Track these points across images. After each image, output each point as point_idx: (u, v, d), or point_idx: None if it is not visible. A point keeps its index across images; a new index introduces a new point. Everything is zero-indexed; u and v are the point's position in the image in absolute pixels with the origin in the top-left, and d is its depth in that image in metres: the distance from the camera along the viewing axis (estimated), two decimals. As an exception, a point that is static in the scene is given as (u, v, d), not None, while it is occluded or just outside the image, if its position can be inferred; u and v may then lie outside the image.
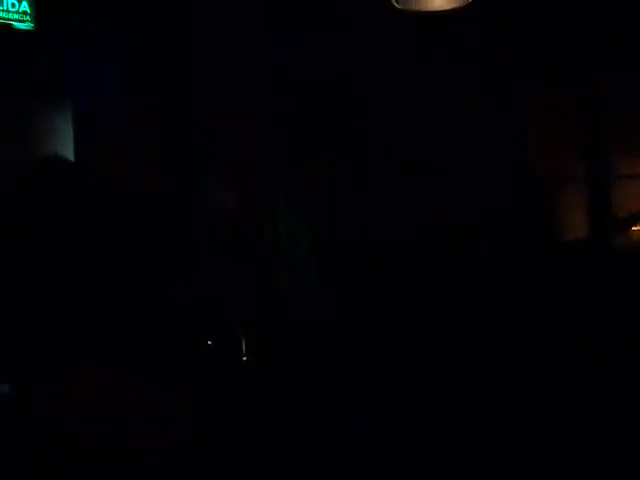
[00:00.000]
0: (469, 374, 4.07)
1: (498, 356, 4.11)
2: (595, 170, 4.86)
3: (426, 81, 4.68)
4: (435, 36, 4.58)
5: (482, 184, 4.65)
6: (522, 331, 4.19)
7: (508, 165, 4.77)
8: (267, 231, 4.33)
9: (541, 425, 3.74)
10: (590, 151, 4.87)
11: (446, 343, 4.25)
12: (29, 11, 4.58)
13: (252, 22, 4.61)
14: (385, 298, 4.39)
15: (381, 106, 4.72)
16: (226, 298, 4.14)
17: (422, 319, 4.34)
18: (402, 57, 4.68)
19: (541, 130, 4.83)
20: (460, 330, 4.28)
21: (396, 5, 3.71)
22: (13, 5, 4.54)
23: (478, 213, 4.66)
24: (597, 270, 4.47)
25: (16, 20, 4.55)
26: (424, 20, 4.03)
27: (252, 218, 4.34)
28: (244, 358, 4.09)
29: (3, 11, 4.52)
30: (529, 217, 4.75)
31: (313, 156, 4.64)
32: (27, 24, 4.58)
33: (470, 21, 4.28)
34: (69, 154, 4.57)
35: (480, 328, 4.25)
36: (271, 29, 4.63)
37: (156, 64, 4.66)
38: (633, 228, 4.77)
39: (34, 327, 3.16)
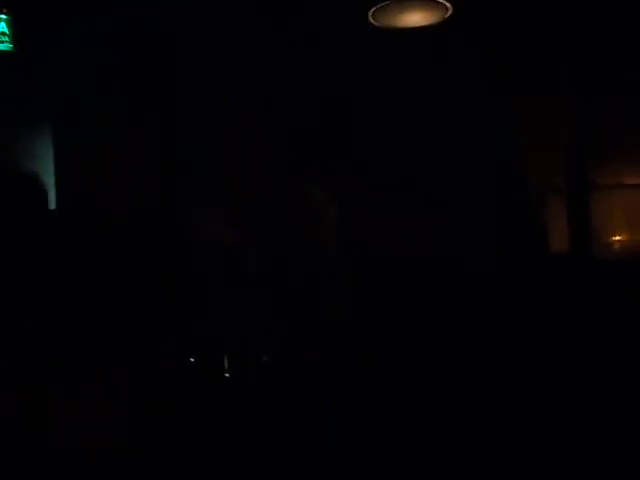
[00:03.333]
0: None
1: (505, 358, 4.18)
2: (575, 180, 4.75)
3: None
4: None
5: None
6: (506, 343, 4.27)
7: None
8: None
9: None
10: (571, 161, 4.77)
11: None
12: (7, 32, 4.40)
13: (240, 38, 4.54)
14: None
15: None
16: (215, 318, 4.16)
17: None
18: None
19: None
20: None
21: (373, 23, 3.81)
22: (-10, 26, 4.40)
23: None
24: (578, 282, 4.43)
25: (-6, 42, 4.42)
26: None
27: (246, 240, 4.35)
28: (226, 375, 4.10)
29: (-21, 33, 4.36)
30: (513, 229, 4.67)
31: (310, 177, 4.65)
32: (5, 45, 4.40)
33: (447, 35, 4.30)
34: (50, 179, 4.37)
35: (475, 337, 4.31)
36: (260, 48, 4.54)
37: (146, 81, 4.52)
38: (613, 239, 4.73)
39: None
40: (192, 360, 4.00)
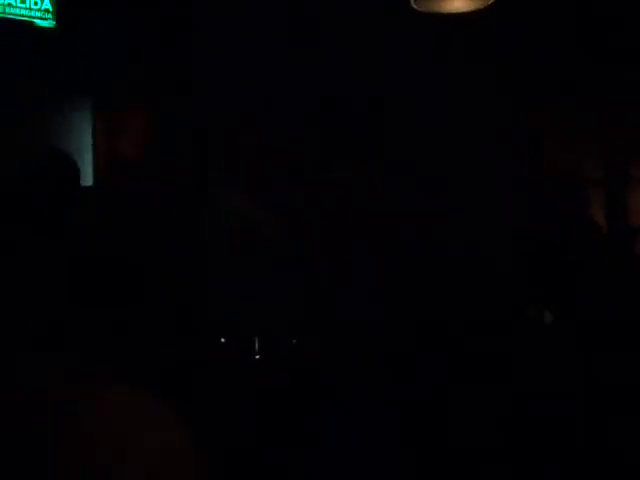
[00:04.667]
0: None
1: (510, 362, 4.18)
2: (612, 173, 4.84)
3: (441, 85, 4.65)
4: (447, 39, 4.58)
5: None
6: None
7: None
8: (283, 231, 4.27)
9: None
10: (606, 154, 4.86)
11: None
12: (51, 9, 4.67)
13: (266, 33, 4.63)
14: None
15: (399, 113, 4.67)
16: (241, 297, 4.09)
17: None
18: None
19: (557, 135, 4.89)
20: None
21: (415, 7, 3.69)
22: (35, 3, 4.63)
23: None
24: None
25: (38, 18, 4.65)
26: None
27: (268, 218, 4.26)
28: (257, 357, 4.07)
29: (25, 9, 4.60)
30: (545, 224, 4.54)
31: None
32: (49, 22, 4.68)
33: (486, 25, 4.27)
34: (88, 152, 4.64)
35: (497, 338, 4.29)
36: (287, 38, 4.63)
37: (174, 65, 4.69)
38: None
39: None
40: (223, 341, 4.00)
